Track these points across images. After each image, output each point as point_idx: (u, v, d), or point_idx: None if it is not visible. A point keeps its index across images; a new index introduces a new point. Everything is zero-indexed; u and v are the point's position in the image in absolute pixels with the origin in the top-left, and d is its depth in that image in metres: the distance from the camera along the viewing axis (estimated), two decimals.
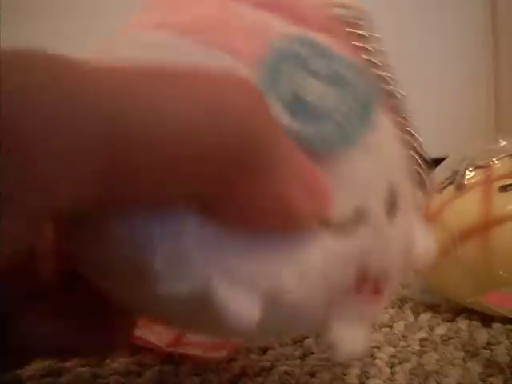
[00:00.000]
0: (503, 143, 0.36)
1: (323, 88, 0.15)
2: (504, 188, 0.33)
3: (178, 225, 0.14)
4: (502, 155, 0.35)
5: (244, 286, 0.15)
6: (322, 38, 0.16)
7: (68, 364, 0.27)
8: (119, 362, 0.27)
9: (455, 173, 0.35)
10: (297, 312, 0.16)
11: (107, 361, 0.27)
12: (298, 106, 0.15)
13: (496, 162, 0.35)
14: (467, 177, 0.34)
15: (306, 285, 0.16)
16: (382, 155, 0.17)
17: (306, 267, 0.16)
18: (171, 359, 0.27)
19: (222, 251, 0.15)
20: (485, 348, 0.27)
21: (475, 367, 0.25)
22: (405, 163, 0.18)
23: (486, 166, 0.34)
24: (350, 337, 0.17)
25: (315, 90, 0.15)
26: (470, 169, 0.35)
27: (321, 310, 0.17)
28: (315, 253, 0.16)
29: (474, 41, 0.92)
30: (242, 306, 0.15)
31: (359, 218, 0.16)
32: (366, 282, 0.17)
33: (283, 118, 0.15)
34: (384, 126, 0.17)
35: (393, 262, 0.18)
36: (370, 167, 0.16)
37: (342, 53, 0.16)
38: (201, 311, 0.15)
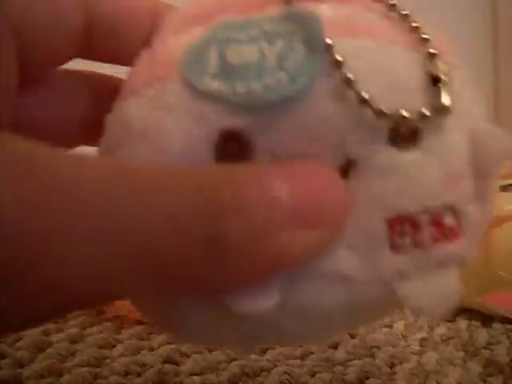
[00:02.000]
0: None
1: (257, 47, 0.14)
2: (504, 188, 0.33)
3: None
4: None
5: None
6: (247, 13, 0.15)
7: (68, 364, 0.27)
8: (119, 362, 0.27)
9: None
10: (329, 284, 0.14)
11: (107, 360, 0.27)
12: (234, 73, 0.14)
13: None
14: None
15: None
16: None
17: None
18: (171, 359, 0.27)
19: None
20: (485, 348, 0.27)
21: (475, 367, 0.25)
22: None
23: None
24: (427, 292, 0.15)
25: (247, 53, 0.14)
26: None
27: (359, 274, 0.14)
28: None
29: (474, 41, 0.93)
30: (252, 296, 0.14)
31: (348, 169, 0.14)
32: (418, 229, 0.15)
33: (223, 90, 0.14)
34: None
35: (438, 191, 0.15)
36: (343, 108, 0.14)
37: (268, 14, 0.15)
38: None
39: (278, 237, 0.12)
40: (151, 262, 0.11)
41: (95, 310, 0.33)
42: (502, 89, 0.87)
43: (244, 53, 0.14)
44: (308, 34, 0.14)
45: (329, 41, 0.14)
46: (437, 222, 0.15)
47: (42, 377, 0.26)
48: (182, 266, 0.11)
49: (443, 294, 0.15)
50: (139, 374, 0.26)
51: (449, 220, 0.15)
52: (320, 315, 0.15)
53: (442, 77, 0.15)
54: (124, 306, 0.32)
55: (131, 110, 0.15)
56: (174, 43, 0.15)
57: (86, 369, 0.26)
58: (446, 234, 0.15)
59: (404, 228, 0.14)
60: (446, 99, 0.14)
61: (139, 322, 0.31)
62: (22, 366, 0.27)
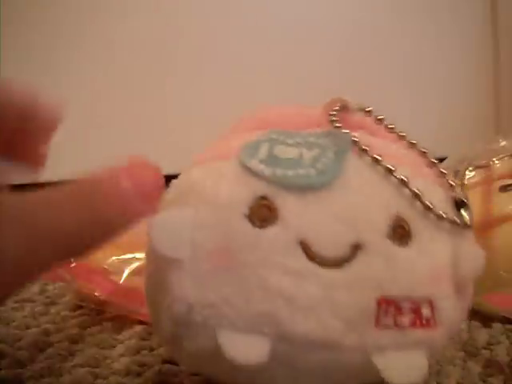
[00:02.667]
0: (503, 143, 0.36)
1: (298, 150, 0.19)
2: (504, 188, 0.33)
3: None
4: (501, 155, 0.35)
5: (246, 330, 0.17)
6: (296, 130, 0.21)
7: (68, 364, 0.27)
8: (119, 362, 0.27)
9: (455, 173, 0.35)
10: (316, 345, 0.17)
11: (107, 361, 0.27)
12: (276, 162, 0.19)
13: (496, 161, 0.35)
14: (467, 177, 0.34)
15: (313, 319, 0.17)
16: (371, 191, 0.19)
17: (307, 304, 0.17)
18: (171, 359, 0.27)
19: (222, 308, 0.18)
20: (485, 348, 0.27)
21: (475, 367, 0.25)
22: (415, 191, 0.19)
23: (486, 166, 0.34)
24: (398, 366, 0.18)
25: (290, 152, 0.19)
26: (470, 169, 0.35)
27: (346, 341, 0.17)
28: (312, 289, 0.17)
29: (475, 42, 0.92)
30: (245, 347, 0.17)
31: (356, 250, 0.18)
32: (400, 313, 0.18)
33: (266, 171, 0.19)
34: (365, 168, 0.20)
35: (422, 285, 0.18)
36: (360, 202, 0.19)
37: (311, 131, 0.21)
38: (221, 359, 0.17)
39: (132, 206, 0.18)
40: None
41: (95, 311, 0.33)
42: (502, 89, 0.87)
43: (287, 151, 0.19)
44: (338, 147, 0.19)
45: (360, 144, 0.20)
46: (416, 310, 0.18)
47: (42, 377, 0.26)
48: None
49: (411, 370, 0.18)
50: (139, 374, 0.26)
51: (426, 311, 0.18)
52: (305, 370, 0.18)
53: (465, 201, 0.20)
54: (124, 307, 0.32)
55: (196, 174, 0.20)
56: (237, 140, 0.21)
57: (86, 369, 0.26)
58: (422, 321, 0.18)
59: (389, 309, 0.18)
60: (467, 219, 0.20)
61: (139, 322, 0.31)
62: (22, 366, 0.27)
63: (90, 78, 0.92)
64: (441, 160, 0.36)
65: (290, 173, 0.18)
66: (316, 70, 0.94)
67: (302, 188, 0.18)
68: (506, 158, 0.34)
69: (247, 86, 0.94)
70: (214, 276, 0.18)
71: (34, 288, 0.38)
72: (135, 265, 0.34)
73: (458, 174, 0.34)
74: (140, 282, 0.33)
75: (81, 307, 0.34)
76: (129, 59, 0.94)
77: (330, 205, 0.18)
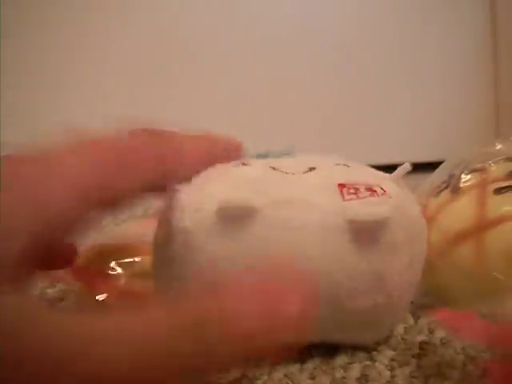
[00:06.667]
0: (499, 146, 0.36)
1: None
2: (499, 191, 0.33)
3: None
4: (497, 158, 0.35)
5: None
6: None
7: None
8: None
9: (451, 176, 0.35)
10: (301, 206, 0.25)
11: None
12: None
13: (492, 165, 0.35)
14: (463, 180, 0.34)
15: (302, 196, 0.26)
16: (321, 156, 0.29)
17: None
18: None
19: None
20: (484, 351, 0.27)
21: (475, 370, 0.25)
22: None
23: (482, 170, 0.35)
24: (364, 211, 0.24)
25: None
26: (466, 172, 0.35)
27: (323, 202, 0.25)
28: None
29: (474, 45, 0.92)
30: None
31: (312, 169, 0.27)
32: (359, 191, 0.25)
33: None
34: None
35: (368, 180, 0.26)
36: (314, 157, 0.28)
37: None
38: None
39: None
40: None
41: None
42: (501, 92, 0.87)
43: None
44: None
45: None
46: (370, 189, 0.25)
47: None
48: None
49: (374, 212, 0.24)
50: None
51: (378, 189, 0.25)
52: (296, 229, 0.24)
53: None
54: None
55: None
56: None
57: None
58: (378, 193, 0.25)
59: (349, 190, 0.25)
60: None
61: None
62: None
63: (91, 78, 0.92)
64: (440, 163, 0.37)
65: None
66: (316, 70, 0.94)
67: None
68: (501, 161, 0.35)
69: (245, 88, 0.94)
70: None
71: (35, 291, 0.39)
72: (135, 268, 0.34)
73: (454, 178, 0.34)
74: (140, 286, 0.33)
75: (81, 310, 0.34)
76: (129, 59, 0.94)
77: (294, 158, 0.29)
